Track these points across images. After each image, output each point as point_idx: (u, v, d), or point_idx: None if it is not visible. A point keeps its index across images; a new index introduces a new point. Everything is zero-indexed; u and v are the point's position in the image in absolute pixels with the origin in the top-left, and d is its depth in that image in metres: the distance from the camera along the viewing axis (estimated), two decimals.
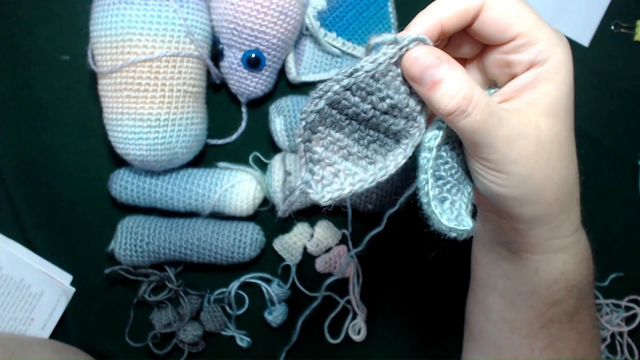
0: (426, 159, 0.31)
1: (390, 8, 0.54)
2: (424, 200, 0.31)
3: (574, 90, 0.31)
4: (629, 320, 0.56)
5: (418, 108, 0.31)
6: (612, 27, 0.57)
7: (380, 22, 0.53)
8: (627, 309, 0.56)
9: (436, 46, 0.30)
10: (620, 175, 0.57)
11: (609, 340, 0.55)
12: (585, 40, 0.56)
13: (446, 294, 0.54)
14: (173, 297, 0.52)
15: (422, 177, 0.31)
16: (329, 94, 0.29)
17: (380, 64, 0.28)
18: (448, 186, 0.32)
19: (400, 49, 0.29)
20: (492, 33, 0.30)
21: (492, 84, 0.34)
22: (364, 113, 0.30)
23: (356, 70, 0.28)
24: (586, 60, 0.56)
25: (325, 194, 0.31)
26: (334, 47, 0.52)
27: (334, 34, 0.52)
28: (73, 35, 0.51)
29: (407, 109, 0.30)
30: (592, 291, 0.37)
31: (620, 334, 0.55)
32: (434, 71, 0.28)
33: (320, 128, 0.30)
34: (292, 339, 0.53)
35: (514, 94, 0.31)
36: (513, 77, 0.31)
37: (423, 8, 0.31)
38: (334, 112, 0.30)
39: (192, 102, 0.48)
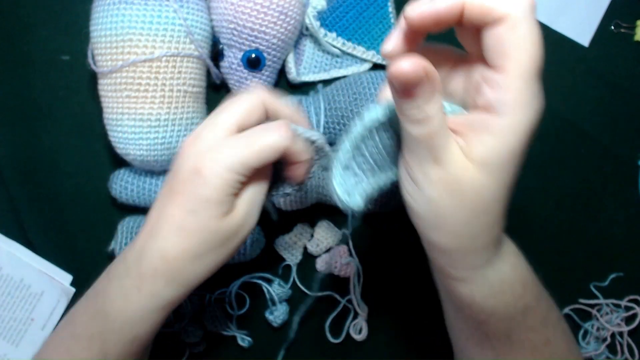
0: (357, 130, 0.33)
1: (390, 8, 0.54)
2: (334, 163, 0.34)
3: (521, 158, 0.30)
4: (629, 320, 0.56)
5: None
6: (612, 27, 0.57)
7: (380, 22, 0.53)
8: (627, 309, 0.56)
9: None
10: (620, 175, 0.57)
11: (609, 340, 0.55)
12: (585, 40, 0.56)
13: None
14: None
15: (345, 142, 0.34)
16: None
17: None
18: (363, 165, 0.34)
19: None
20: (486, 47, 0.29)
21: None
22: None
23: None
24: (586, 60, 0.56)
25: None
26: (334, 47, 0.52)
27: (334, 34, 0.52)
28: (73, 35, 0.51)
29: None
30: (537, 314, 0.36)
31: (620, 334, 0.55)
32: (423, 87, 0.28)
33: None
34: (289, 336, 0.53)
35: (461, 128, 0.30)
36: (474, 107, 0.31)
37: None
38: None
39: (192, 102, 0.47)
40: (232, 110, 0.36)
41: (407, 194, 0.32)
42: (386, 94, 0.35)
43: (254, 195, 0.37)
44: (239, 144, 0.34)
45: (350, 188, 0.35)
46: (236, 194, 0.36)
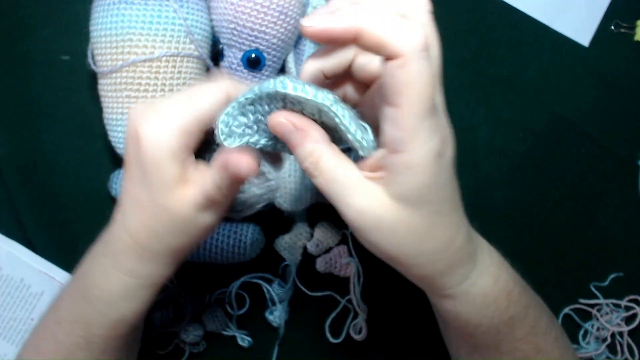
0: (260, 88, 0.30)
1: None
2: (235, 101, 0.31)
3: (440, 187, 0.30)
4: (629, 320, 0.56)
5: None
6: (612, 27, 0.57)
7: None
8: (627, 309, 0.56)
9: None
10: (620, 175, 0.57)
11: (609, 340, 0.55)
12: (585, 40, 0.56)
13: None
14: (173, 297, 0.52)
15: (252, 90, 0.30)
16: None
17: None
18: (253, 123, 0.31)
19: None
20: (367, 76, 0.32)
21: None
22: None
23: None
24: (586, 60, 0.56)
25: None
26: None
27: None
28: (73, 35, 0.51)
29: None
30: (525, 324, 0.36)
31: (620, 334, 0.55)
32: (292, 136, 0.30)
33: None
34: (280, 332, 0.53)
35: (375, 168, 0.30)
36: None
37: None
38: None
39: None
40: (191, 100, 0.33)
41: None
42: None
43: (215, 179, 0.32)
44: (176, 99, 0.32)
45: (237, 125, 0.31)
46: (188, 166, 0.32)
